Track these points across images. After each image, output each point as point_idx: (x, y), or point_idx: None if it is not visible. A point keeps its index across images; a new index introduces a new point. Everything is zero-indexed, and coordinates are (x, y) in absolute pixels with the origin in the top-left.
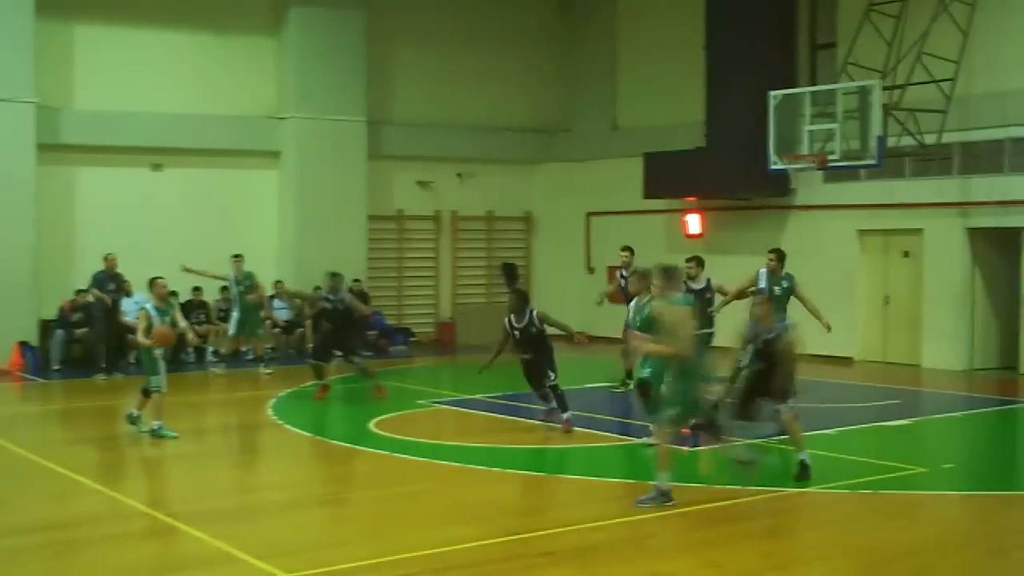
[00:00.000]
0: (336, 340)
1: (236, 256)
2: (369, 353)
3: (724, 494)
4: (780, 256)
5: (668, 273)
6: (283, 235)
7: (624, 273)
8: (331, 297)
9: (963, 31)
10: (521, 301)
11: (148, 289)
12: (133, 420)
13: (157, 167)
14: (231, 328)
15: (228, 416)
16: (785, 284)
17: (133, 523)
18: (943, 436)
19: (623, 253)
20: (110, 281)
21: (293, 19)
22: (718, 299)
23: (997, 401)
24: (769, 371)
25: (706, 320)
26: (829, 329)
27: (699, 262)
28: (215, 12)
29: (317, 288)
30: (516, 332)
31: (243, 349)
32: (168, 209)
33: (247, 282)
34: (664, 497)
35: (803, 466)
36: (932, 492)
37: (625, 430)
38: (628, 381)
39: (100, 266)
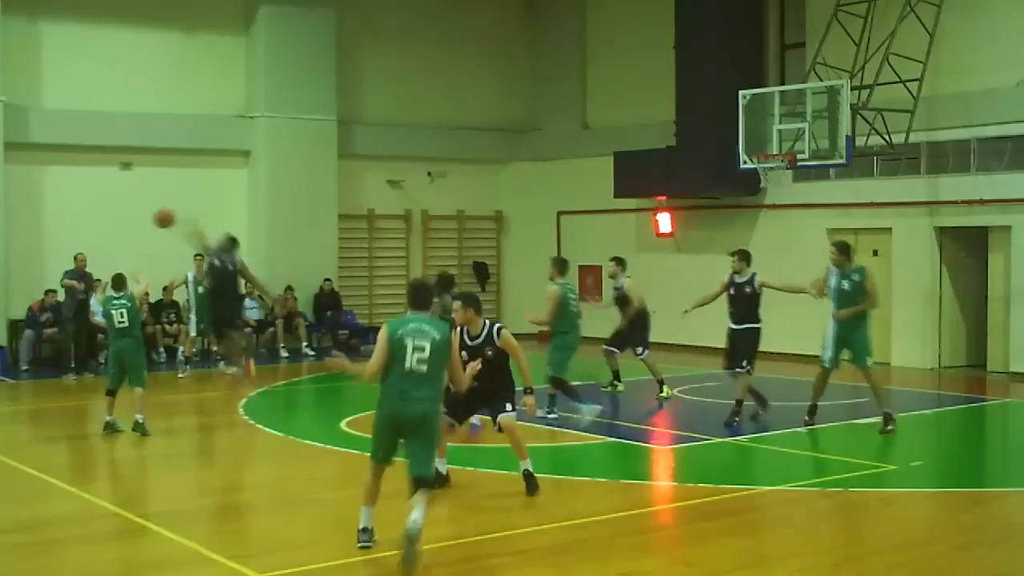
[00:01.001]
0: (225, 306)
1: (198, 256)
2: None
3: (697, 492)
4: (842, 249)
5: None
6: (253, 235)
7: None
8: (221, 257)
9: (929, 32)
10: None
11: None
12: (111, 426)
13: (126, 166)
14: (192, 329)
15: (199, 416)
16: (856, 278)
17: (104, 524)
18: (912, 434)
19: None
20: (80, 281)
21: (262, 18)
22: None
23: (965, 399)
24: None
25: (751, 314)
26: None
27: (742, 256)
28: (185, 10)
29: (289, 288)
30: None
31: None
32: (137, 208)
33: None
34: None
35: None
36: (901, 489)
37: (599, 429)
38: (616, 383)
39: (69, 265)
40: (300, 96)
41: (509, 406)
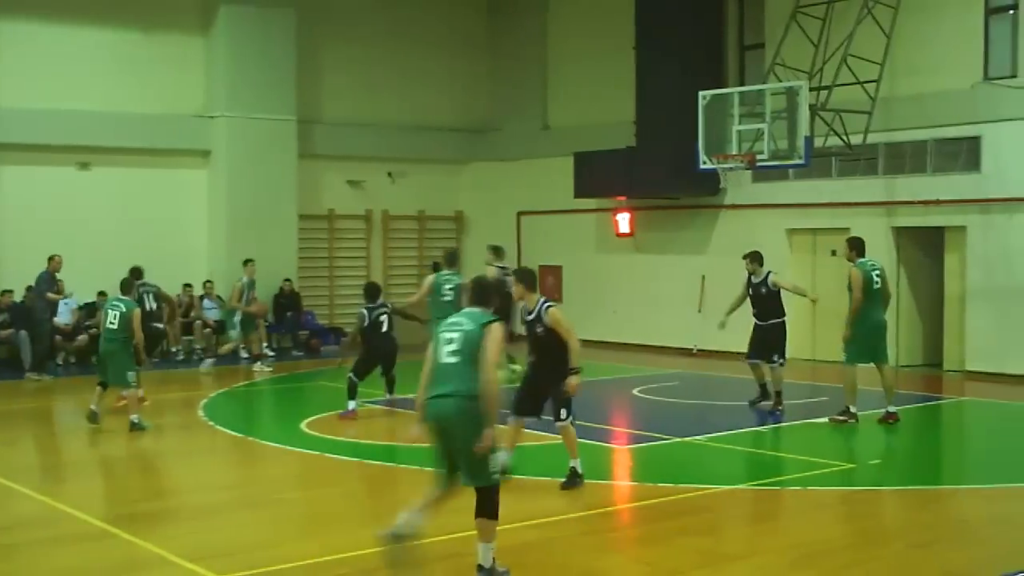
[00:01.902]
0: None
1: (249, 260)
2: (300, 353)
3: (656, 492)
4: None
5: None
6: (213, 235)
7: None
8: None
9: (886, 34)
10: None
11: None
12: (94, 416)
13: (84, 166)
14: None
15: (159, 417)
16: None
17: (64, 527)
18: (870, 432)
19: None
20: (54, 283)
21: (222, 17)
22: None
23: (922, 398)
24: None
25: (775, 310)
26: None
27: (753, 258)
28: (143, 9)
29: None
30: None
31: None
32: (96, 209)
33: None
34: None
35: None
36: (860, 488)
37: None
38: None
39: (26, 266)
40: (260, 96)
41: (564, 412)
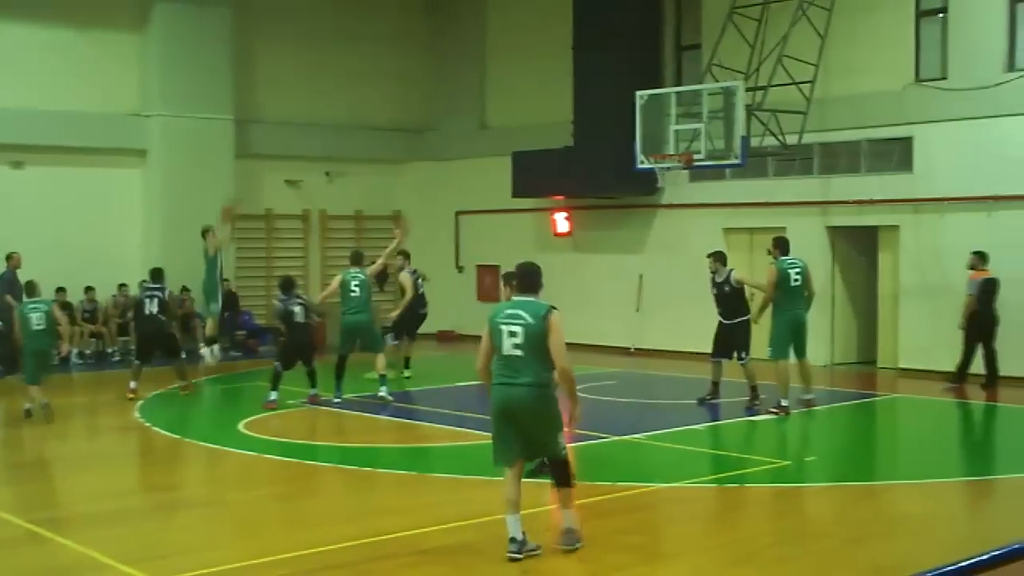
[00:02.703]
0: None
1: (208, 228)
2: (238, 353)
3: (595, 490)
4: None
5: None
6: (148, 235)
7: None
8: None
9: (821, 35)
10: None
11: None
12: (29, 413)
13: (17, 165)
14: (218, 308)
15: (93, 419)
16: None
17: None
18: (806, 430)
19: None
20: (16, 283)
21: (157, 15)
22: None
23: (856, 395)
24: None
25: (739, 309)
26: None
27: (716, 257)
28: (77, 6)
29: (185, 289)
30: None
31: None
32: (29, 208)
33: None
34: None
35: None
36: (795, 484)
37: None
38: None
39: None
40: (196, 95)
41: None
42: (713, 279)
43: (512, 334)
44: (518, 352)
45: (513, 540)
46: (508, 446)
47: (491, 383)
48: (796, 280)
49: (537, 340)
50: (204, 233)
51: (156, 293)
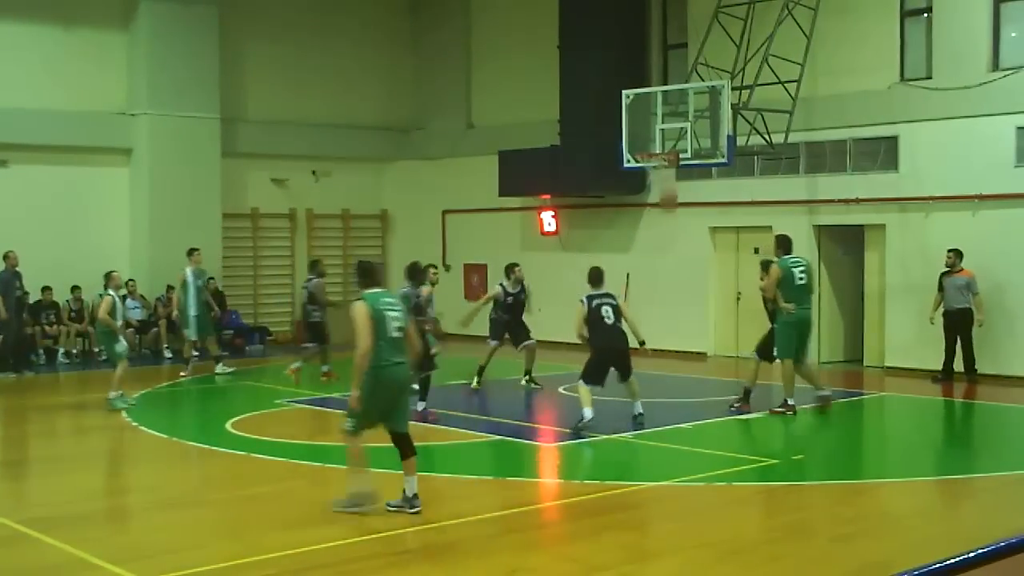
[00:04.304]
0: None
1: (193, 250)
2: (226, 353)
3: (581, 489)
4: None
5: (362, 269)
6: (135, 234)
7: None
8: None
9: (806, 35)
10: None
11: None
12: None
13: (2, 163)
14: (192, 333)
15: (80, 419)
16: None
17: None
18: (793, 428)
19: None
20: (15, 279)
21: (144, 13)
22: None
23: (843, 393)
24: None
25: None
26: None
27: (765, 266)
28: (63, 4)
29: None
30: None
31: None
32: (14, 207)
33: (204, 278)
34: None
35: None
36: (783, 483)
37: (484, 427)
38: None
39: None
40: (183, 93)
41: None
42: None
43: (395, 319)
44: (399, 335)
45: (365, 494)
46: (373, 418)
47: (375, 365)
48: (801, 279)
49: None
50: (190, 253)
51: (305, 285)
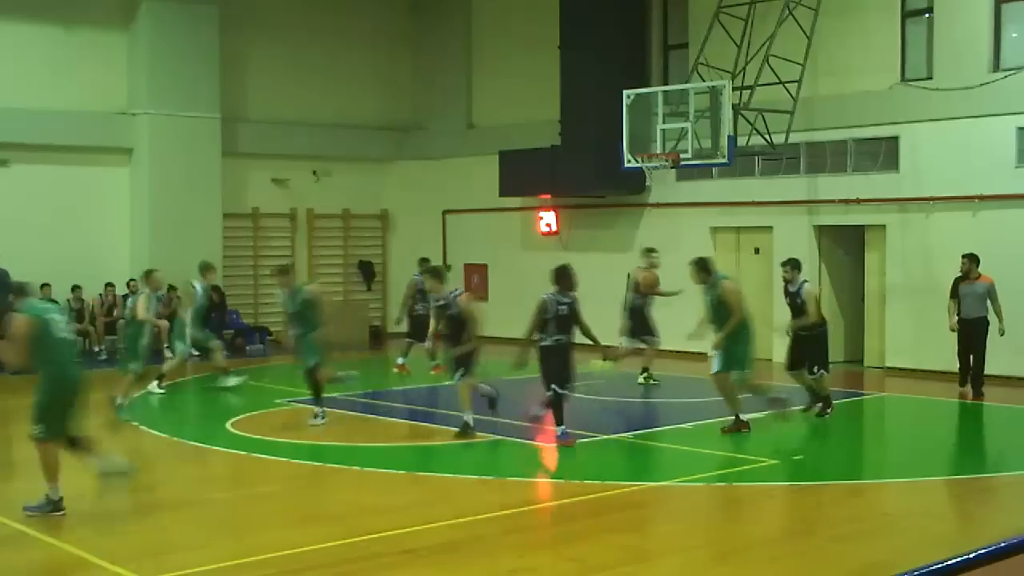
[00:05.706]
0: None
1: (209, 265)
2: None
3: (582, 489)
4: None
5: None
6: (136, 234)
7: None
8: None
9: (807, 35)
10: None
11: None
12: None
13: (3, 163)
14: (186, 351)
15: (80, 418)
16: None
17: None
18: (793, 429)
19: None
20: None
21: (145, 13)
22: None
23: (843, 394)
24: None
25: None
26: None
27: (793, 265)
28: (65, 4)
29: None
30: None
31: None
32: (15, 207)
33: (208, 293)
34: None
35: None
36: (783, 483)
37: (482, 427)
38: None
39: None
40: (183, 93)
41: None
42: (786, 288)
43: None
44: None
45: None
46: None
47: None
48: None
49: None
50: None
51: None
